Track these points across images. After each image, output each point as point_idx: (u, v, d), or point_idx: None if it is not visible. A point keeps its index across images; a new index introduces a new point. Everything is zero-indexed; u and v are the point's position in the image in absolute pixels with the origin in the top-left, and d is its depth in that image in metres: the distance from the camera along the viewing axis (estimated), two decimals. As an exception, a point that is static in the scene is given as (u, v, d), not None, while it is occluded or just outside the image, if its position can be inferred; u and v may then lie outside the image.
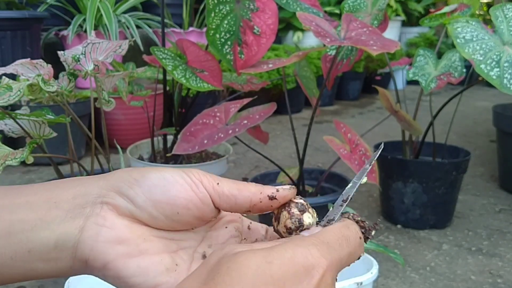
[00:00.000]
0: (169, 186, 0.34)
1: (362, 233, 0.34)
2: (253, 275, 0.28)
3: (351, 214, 0.35)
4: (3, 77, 1.12)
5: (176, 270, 0.34)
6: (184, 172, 0.35)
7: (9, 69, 1.09)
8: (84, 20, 2.27)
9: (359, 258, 0.34)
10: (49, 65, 1.11)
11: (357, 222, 0.34)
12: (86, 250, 0.33)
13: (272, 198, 0.35)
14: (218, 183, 0.35)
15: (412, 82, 3.77)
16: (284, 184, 0.36)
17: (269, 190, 0.35)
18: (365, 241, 0.34)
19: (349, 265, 0.33)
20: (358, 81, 3.43)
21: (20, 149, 0.96)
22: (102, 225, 0.33)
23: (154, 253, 0.34)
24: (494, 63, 1.00)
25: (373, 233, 0.35)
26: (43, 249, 0.34)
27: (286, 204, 0.35)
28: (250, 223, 0.41)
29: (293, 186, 0.35)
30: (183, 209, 0.34)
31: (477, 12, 4.21)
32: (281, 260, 0.29)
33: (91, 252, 0.33)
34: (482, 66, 1.00)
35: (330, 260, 0.30)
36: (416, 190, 1.33)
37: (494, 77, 0.99)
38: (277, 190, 0.35)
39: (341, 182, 1.20)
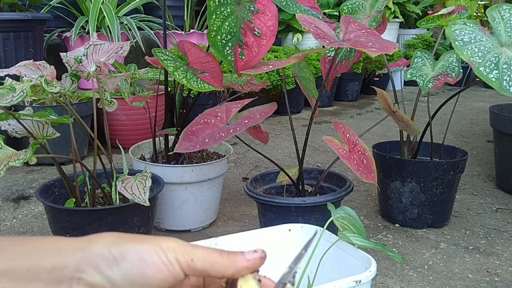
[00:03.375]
0: (146, 268, 0.35)
1: None
2: None
3: None
4: (7, 78, 1.13)
5: None
6: (161, 249, 0.36)
7: (12, 70, 1.10)
8: (87, 22, 2.28)
9: None
10: (52, 66, 1.13)
11: None
12: None
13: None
14: (192, 260, 0.36)
15: (410, 83, 3.79)
16: (258, 251, 0.40)
17: (241, 263, 0.38)
18: None
19: None
20: (357, 82, 3.44)
21: (23, 150, 0.98)
22: None
23: None
24: (492, 65, 1.01)
25: None
26: None
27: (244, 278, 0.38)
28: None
29: (263, 256, 0.40)
30: (157, 287, 0.36)
31: (474, 14, 4.23)
32: None
33: None
34: (481, 68, 1.01)
35: None
36: (414, 190, 1.34)
37: (493, 79, 1.00)
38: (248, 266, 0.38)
39: (340, 181, 1.22)
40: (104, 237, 0.37)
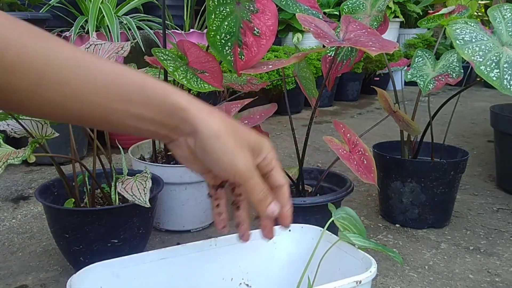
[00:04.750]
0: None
1: None
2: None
3: None
4: (6, 78, 1.13)
5: None
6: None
7: (12, 70, 1.10)
8: (86, 21, 2.28)
9: None
10: (52, 66, 1.13)
11: None
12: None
13: None
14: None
15: (410, 83, 3.77)
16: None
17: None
18: None
19: None
20: (357, 82, 3.44)
21: (22, 148, 0.98)
22: None
23: None
24: (493, 64, 1.01)
25: None
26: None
27: None
28: None
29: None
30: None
31: (474, 13, 4.23)
32: None
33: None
34: (482, 67, 1.01)
35: None
36: (414, 190, 1.34)
37: (494, 78, 1.00)
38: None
39: (340, 181, 1.21)
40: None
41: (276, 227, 0.84)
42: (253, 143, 0.53)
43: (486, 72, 1.00)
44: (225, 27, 1.03)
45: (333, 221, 0.73)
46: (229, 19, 1.04)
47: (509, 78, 0.99)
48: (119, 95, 0.47)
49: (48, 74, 0.42)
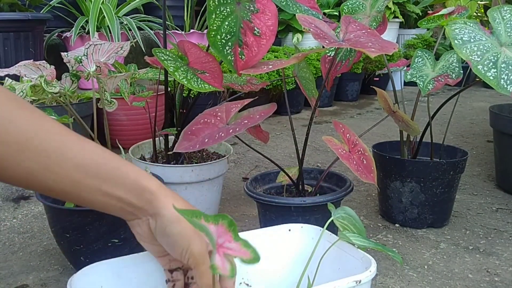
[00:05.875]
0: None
1: None
2: None
3: None
4: (6, 78, 1.13)
5: None
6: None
7: (12, 70, 1.10)
8: (87, 22, 2.28)
9: None
10: (52, 66, 1.13)
11: None
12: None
13: None
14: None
15: (410, 83, 3.79)
16: None
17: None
18: None
19: None
20: (357, 82, 3.45)
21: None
22: None
23: None
24: (491, 64, 1.02)
25: None
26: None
27: None
28: None
29: None
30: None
31: (474, 14, 4.23)
32: None
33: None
34: (480, 67, 1.01)
35: None
36: (414, 190, 1.34)
37: (491, 77, 1.00)
38: None
39: (340, 181, 1.22)
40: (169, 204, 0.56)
41: (276, 227, 0.84)
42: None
43: (483, 72, 1.00)
44: (226, 27, 1.03)
45: (332, 221, 0.74)
46: (230, 19, 1.04)
47: (506, 78, 0.99)
48: (95, 172, 0.51)
49: (31, 147, 0.47)
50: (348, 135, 1.07)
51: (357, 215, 0.75)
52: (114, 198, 0.53)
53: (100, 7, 2.26)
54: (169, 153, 1.34)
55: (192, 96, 2.17)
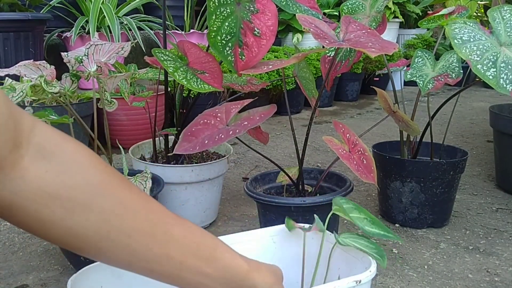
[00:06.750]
0: None
1: None
2: None
3: None
4: (6, 78, 1.13)
5: None
6: None
7: (12, 70, 1.10)
8: (87, 22, 2.28)
9: None
10: (52, 66, 1.13)
11: None
12: None
13: None
14: None
15: (410, 83, 3.79)
16: None
17: None
18: None
19: None
20: (357, 82, 3.45)
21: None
22: None
23: None
24: (490, 63, 1.02)
25: None
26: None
27: None
28: None
29: None
30: None
31: (474, 14, 4.23)
32: None
33: None
34: (479, 66, 1.01)
35: None
36: (414, 190, 1.34)
37: (490, 77, 1.00)
38: None
39: (340, 181, 1.22)
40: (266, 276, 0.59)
41: (276, 227, 0.85)
42: (279, 273, 0.64)
43: (482, 71, 1.00)
44: (226, 27, 1.03)
45: (332, 218, 0.74)
46: (230, 19, 1.04)
47: (505, 77, 1.00)
48: (194, 252, 0.52)
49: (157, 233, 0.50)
50: (348, 135, 1.08)
51: (357, 215, 0.75)
52: (212, 279, 0.54)
53: (100, 7, 2.26)
54: (169, 153, 1.34)
55: (192, 96, 2.17)
